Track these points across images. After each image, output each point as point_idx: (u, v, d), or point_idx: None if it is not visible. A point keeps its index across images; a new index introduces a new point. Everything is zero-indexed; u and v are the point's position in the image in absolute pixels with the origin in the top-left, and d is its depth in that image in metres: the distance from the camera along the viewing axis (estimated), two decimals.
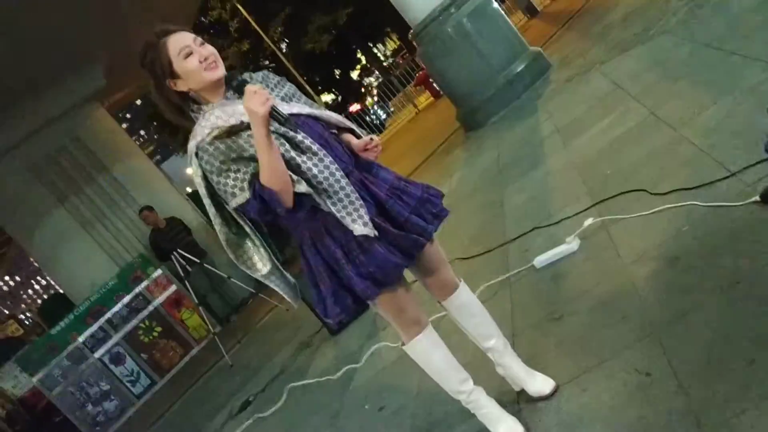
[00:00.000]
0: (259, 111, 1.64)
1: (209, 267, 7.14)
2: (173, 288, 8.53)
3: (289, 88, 2.01)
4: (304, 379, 4.22)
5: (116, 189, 9.28)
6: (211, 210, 1.88)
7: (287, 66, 23.40)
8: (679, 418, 1.70)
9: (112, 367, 8.05)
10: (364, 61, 40.85)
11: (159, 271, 8.52)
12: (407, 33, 7.78)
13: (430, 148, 8.89)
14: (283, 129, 1.79)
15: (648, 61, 4.74)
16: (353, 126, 2.08)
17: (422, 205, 1.98)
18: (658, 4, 5.96)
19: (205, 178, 1.81)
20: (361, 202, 1.86)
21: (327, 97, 36.85)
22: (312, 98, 2.06)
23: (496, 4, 7.43)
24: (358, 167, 1.95)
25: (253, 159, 1.75)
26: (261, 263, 1.98)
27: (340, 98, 36.95)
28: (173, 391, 7.23)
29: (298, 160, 1.79)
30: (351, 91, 41.05)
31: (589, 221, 3.09)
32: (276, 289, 2.05)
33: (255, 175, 1.74)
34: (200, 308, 6.96)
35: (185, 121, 1.89)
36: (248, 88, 1.68)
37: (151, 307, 8.41)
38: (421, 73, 15.80)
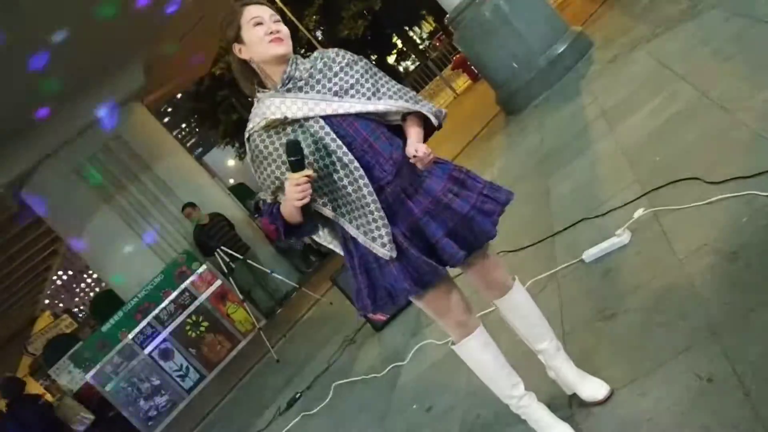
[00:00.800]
0: (296, 204, 1.76)
1: (252, 263, 7.17)
2: (218, 283, 8.63)
3: (351, 76, 1.89)
4: (350, 377, 4.19)
5: (159, 186, 9.41)
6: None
7: None
8: (747, 430, 1.59)
9: (161, 362, 8.20)
10: (400, 45, 40.59)
11: (204, 267, 8.62)
12: (443, 15, 7.63)
13: (470, 133, 8.74)
14: (320, 134, 1.81)
15: (696, 39, 4.53)
16: (422, 108, 1.92)
17: (465, 223, 1.89)
18: None
19: (252, 161, 1.92)
20: (385, 221, 1.82)
21: None
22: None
23: None
24: (401, 176, 1.87)
25: (280, 164, 1.84)
26: (329, 237, 2.06)
27: None
28: (222, 386, 7.32)
29: (330, 169, 1.81)
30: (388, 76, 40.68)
31: (639, 212, 2.96)
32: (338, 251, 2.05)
33: (280, 189, 1.86)
34: (245, 303, 7.00)
35: (251, 89, 1.95)
36: (292, 177, 1.73)
37: (197, 303, 8.53)
38: (458, 56, 15.57)
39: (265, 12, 1.89)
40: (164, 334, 8.33)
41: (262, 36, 1.85)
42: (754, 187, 2.41)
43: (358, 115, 1.85)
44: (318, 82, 1.87)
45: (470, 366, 2.11)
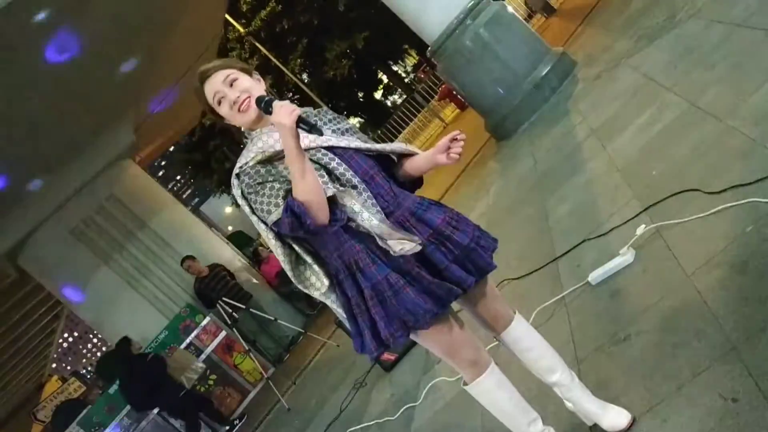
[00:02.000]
0: (286, 122, 1.66)
1: (255, 311, 7.09)
2: (223, 334, 8.51)
3: (345, 124, 2.01)
4: (363, 422, 4.10)
5: (156, 242, 9.36)
6: (260, 227, 1.87)
7: (311, 96, 23.53)
8: None
9: (171, 420, 8.03)
10: (385, 80, 40.99)
11: (207, 319, 8.52)
12: (425, 47, 7.69)
13: (462, 162, 8.73)
14: (324, 160, 1.82)
15: (679, 49, 4.54)
16: (417, 150, 2.03)
17: (467, 255, 1.88)
18: None
19: (245, 198, 1.83)
20: (396, 227, 1.83)
21: (354, 120, 37.08)
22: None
23: (511, 9, 7.30)
24: (401, 208, 1.87)
25: (287, 182, 1.76)
26: (319, 282, 1.94)
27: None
28: None
29: (338, 185, 1.80)
30: (377, 112, 41.17)
31: (641, 229, 2.91)
32: (335, 309, 1.99)
33: (289, 191, 1.75)
34: (251, 352, 6.90)
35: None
36: (275, 103, 1.72)
37: (203, 356, 8.40)
38: (444, 86, 15.69)
39: (218, 82, 1.89)
40: None
41: (228, 112, 1.89)
42: (756, 194, 2.37)
43: (357, 150, 1.90)
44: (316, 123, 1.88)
45: (485, 405, 2.04)
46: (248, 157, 1.82)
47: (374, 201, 1.82)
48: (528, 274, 3.66)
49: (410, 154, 2.03)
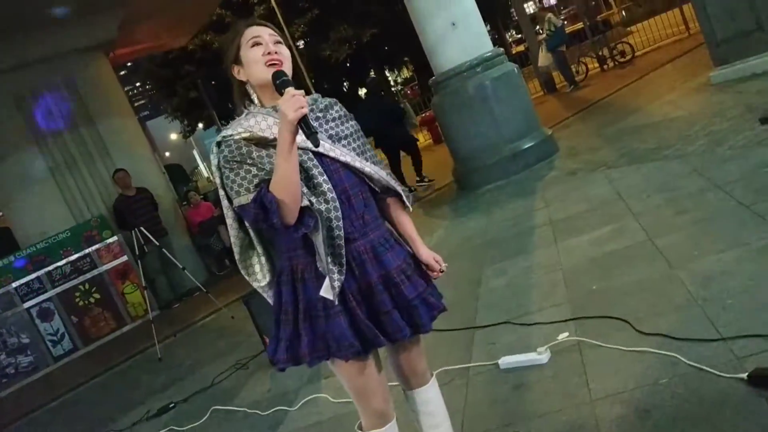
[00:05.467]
0: (290, 115, 1.59)
1: (166, 252, 6.89)
2: (124, 258, 8.29)
3: (348, 127, 1.91)
4: (232, 404, 4.03)
5: (96, 144, 9.02)
6: (224, 202, 1.82)
7: (299, 65, 23.25)
8: None
9: (38, 321, 7.73)
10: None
11: (115, 238, 8.28)
12: (423, 67, 7.75)
13: (420, 193, 8.81)
14: (307, 164, 1.74)
15: (656, 182, 4.72)
16: (399, 190, 1.95)
17: (408, 308, 1.84)
18: (677, 126, 5.99)
19: (219, 170, 1.76)
20: (344, 269, 1.75)
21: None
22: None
23: (521, 77, 7.43)
24: (365, 238, 1.83)
25: (268, 171, 1.70)
26: (261, 273, 1.90)
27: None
28: (93, 365, 6.93)
29: (313, 200, 1.72)
30: (352, 105, 40.90)
31: (564, 335, 2.99)
32: (270, 301, 1.93)
33: (265, 181, 1.68)
34: (146, 289, 6.70)
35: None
36: (289, 89, 1.65)
37: (95, 272, 8.14)
38: (428, 114, 15.79)
39: (265, 32, 1.83)
40: (50, 293, 7.88)
41: (259, 57, 1.79)
42: (679, 352, 2.47)
43: (346, 166, 1.83)
44: (316, 119, 1.85)
45: None
46: (236, 130, 1.75)
47: (340, 224, 1.74)
48: (442, 330, 3.69)
49: (395, 194, 1.97)
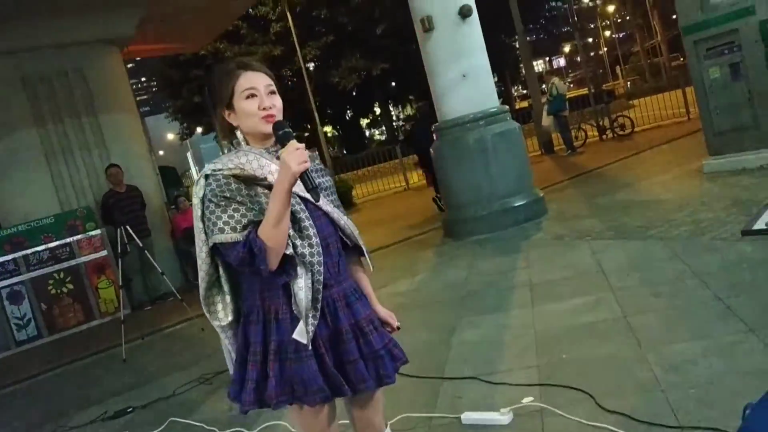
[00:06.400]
0: (293, 168, 1.63)
1: (147, 253, 6.89)
2: (103, 253, 8.26)
3: (327, 179, 1.99)
4: (191, 418, 4.02)
5: (95, 135, 9.05)
6: (200, 236, 1.79)
7: (306, 86, 23.44)
8: None
9: (6, 303, 7.66)
10: (377, 113, 41.43)
11: (98, 231, 8.26)
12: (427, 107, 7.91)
13: (405, 233, 8.88)
14: (295, 207, 1.77)
15: (638, 260, 4.83)
16: (363, 247, 2.01)
17: (374, 359, 1.87)
18: (665, 208, 6.14)
19: (202, 202, 1.76)
20: (317, 314, 1.78)
21: (326, 128, 37.15)
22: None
23: (522, 137, 7.59)
24: (340, 286, 1.88)
25: (257, 211, 1.72)
26: (223, 312, 1.89)
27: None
28: (55, 355, 6.86)
29: (297, 242, 1.75)
30: (353, 134, 41.39)
31: (528, 399, 3.04)
32: (225, 347, 1.93)
33: (254, 223, 1.70)
34: (122, 288, 6.67)
35: (231, 144, 1.89)
36: (293, 142, 1.68)
37: (73, 262, 8.10)
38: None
39: (260, 82, 1.83)
40: (24, 276, 7.82)
41: (254, 111, 1.80)
42: None
43: (326, 215, 1.88)
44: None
45: None
46: (226, 165, 1.76)
47: (321, 269, 1.78)
48: (410, 376, 3.73)
49: (358, 250, 2.01)
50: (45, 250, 7.96)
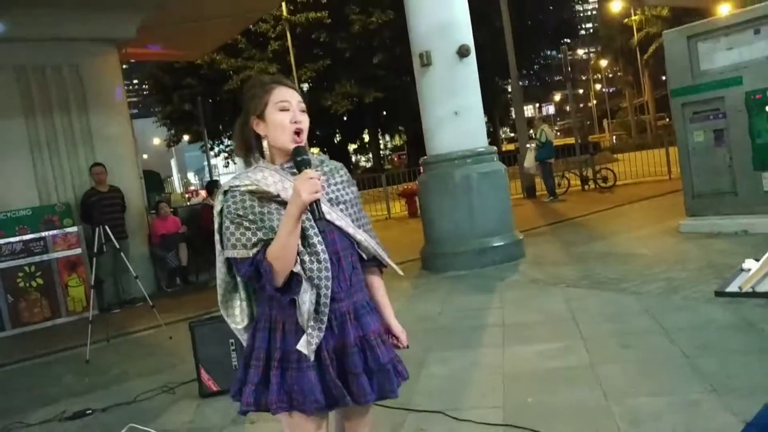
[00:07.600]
0: (303, 197, 1.67)
1: (122, 255, 6.83)
2: (77, 251, 8.18)
3: (348, 192, 2.02)
4: (151, 425, 3.96)
5: (83, 133, 9.02)
6: (217, 246, 1.89)
7: None
8: None
9: None
10: (366, 140, 41.64)
11: (74, 229, 8.18)
12: (415, 139, 8.00)
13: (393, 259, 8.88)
14: (305, 224, 1.82)
15: (609, 311, 4.90)
16: (388, 259, 2.06)
17: (379, 372, 1.91)
18: (640, 263, 6.25)
19: (220, 216, 1.85)
20: (322, 326, 1.82)
21: (314, 150, 37.26)
22: None
23: (507, 178, 7.70)
24: (350, 299, 1.92)
25: (268, 229, 1.79)
26: (240, 317, 1.98)
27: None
28: (17, 350, 6.74)
29: (305, 257, 1.80)
30: (339, 158, 41.35)
31: None
32: (244, 343, 2.00)
33: (263, 242, 1.77)
34: (93, 289, 6.59)
35: (245, 159, 1.98)
36: (307, 171, 1.73)
37: (45, 257, 8.00)
38: (411, 187, 16.07)
39: (294, 97, 1.92)
40: None
41: (286, 124, 1.88)
42: None
43: (339, 229, 1.92)
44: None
45: None
46: (243, 182, 1.85)
47: (329, 284, 1.82)
48: (376, 404, 3.72)
49: (380, 265, 2.07)
50: (19, 241, 7.86)
